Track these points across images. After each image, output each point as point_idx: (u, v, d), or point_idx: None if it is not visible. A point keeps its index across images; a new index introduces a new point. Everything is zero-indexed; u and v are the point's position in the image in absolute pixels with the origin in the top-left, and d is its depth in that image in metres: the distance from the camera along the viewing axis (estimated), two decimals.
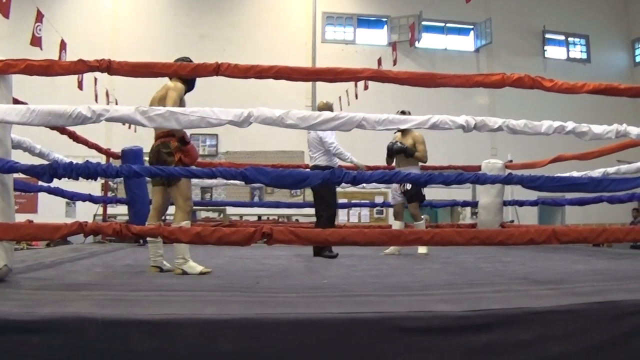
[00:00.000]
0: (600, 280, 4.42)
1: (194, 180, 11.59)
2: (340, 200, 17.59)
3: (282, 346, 2.69)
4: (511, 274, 5.06)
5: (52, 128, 6.20)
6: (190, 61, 5.40)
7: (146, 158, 9.01)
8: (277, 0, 20.24)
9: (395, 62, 14.95)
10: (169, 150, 5.09)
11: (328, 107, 7.40)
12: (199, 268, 4.92)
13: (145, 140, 11.60)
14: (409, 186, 7.80)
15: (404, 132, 8.04)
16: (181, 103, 5.14)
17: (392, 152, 8.02)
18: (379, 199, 16.62)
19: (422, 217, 8.25)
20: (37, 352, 2.56)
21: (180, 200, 5.13)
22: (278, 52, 17.44)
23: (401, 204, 8.24)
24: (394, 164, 8.23)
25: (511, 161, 10.71)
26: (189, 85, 5.43)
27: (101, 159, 10.36)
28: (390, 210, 18.29)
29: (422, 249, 7.70)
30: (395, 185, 8.17)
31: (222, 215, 16.32)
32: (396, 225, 8.19)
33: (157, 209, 5.41)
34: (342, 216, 18.49)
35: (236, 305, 3.09)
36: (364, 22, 21.15)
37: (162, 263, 5.18)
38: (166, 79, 5.22)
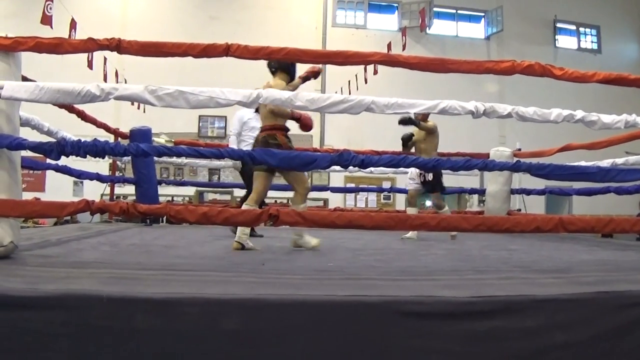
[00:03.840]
0: (607, 271, 4.41)
1: (202, 162, 11.68)
2: (348, 185, 17.72)
3: (285, 327, 2.69)
4: (517, 261, 5.03)
5: (61, 106, 6.21)
6: None
7: (155, 138, 9.17)
8: None
9: (404, 47, 14.84)
10: (276, 142, 5.34)
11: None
12: (314, 242, 5.50)
13: (154, 121, 11.68)
14: (430, 177, 7.98)
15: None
16: None
17: (404, 139, 8.15)
18: (386, 185, 16.58)
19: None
20: (40, 328, 2.56)
21: (297, 185, 5.50)
22: (288, 35, 17.33)
23: (416, 191, 8.37)
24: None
25: (520, 149, 10.67)
26: (291, 76, 5.64)
27: (110, 138, 10.35)
28: (398, 195, 18.50)
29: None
30: (414, 173, 8.30)
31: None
32: (410, 211, 8.22)
33: (259, 193, 5.53)
34: (349, 201, 18.53)
35: (241, 285, 3.09)
36: (374, 6, 21.07)
37: (246, 242, 5.21)
38: (268, 75, 5.70)
